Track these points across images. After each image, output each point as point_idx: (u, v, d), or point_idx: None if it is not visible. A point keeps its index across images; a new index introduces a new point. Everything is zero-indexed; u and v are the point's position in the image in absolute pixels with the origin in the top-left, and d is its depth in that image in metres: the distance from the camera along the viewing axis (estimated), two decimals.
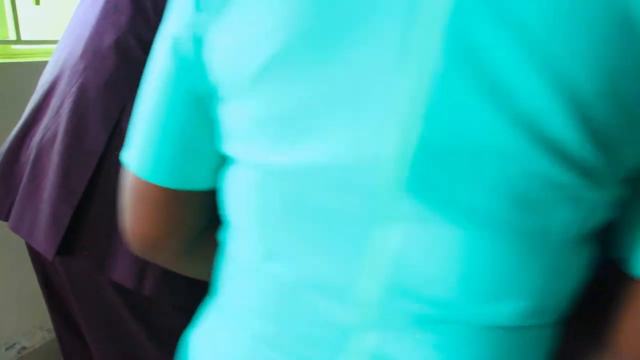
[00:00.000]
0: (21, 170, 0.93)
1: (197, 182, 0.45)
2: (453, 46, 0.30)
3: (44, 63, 1.03)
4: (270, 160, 0.37)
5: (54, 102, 0.91)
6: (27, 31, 1.62)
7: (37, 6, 1.71)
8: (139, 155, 0.45)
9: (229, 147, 0.41)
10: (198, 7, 0.38)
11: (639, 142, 0.32)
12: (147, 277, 0.85)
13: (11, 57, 1.60)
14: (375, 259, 0.36)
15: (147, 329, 0.90)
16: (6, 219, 0.94)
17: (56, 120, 0.89)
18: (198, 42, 0.39)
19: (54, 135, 0.88)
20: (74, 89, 0.87)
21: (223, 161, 0.44)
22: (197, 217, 0.48)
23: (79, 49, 0.88)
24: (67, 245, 0.87)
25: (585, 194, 0.33)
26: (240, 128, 0.38)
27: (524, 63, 0.29)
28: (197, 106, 0.41)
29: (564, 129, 0.30)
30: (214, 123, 0.42)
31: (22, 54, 1.65)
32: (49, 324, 1.65)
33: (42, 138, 0.90)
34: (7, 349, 1.64)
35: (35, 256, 1.00)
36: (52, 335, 1.68)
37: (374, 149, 0.33)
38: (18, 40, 1.58)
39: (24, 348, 1.68)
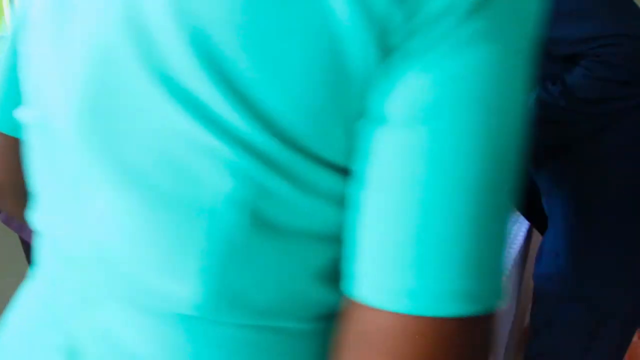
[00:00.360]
0: None
1: None
2: (116, 6, 0.30)
3: None
4: (29, 117, 0.39)
5: None
6: None
7: None
8: None
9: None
10: None
11: (324, 125, 0.28)
12: None
13: None
14: (89, 224, 0.34)
15: None
16: None
17: None
18: None
19: None
20: None
21: None
22: None
23: None
24: None
25: (250, 169, 0.29)
26: (22, 84, 0.40)
27: (167, 15, 0.28)
28: None
29: (206, 88, 0.28)
30: None
31: None
32: None
33: None
34: None
35: (29, 250, 1.00)
36: None
37: (54, 108, 0.34)
38: None
39: None
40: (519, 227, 1.30)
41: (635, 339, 1.15)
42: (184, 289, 0.31)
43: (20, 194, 0.51)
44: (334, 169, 0.30)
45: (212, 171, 0.29)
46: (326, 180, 0.30)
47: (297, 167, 0.29)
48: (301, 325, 0.34)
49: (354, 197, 0.30)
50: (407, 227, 0.27)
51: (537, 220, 1.23)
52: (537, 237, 1.34)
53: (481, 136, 0.27)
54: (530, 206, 1.25)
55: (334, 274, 0.33)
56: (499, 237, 0.29)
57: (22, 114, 0.41)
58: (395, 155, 0.27)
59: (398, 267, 0.27)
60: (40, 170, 0.39)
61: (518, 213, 1.33)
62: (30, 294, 0.43)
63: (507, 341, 1.17)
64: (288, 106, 0.28)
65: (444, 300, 0.27)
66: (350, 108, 0.28)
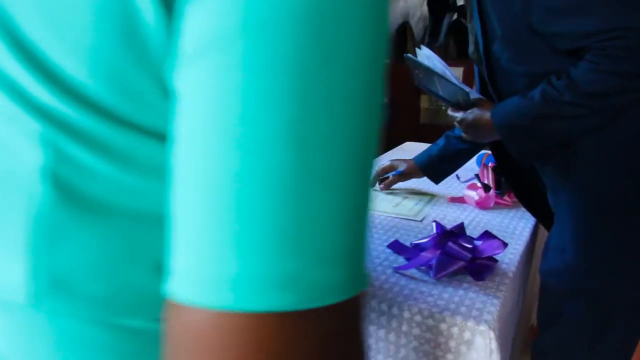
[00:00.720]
0: None
1: None
2: None
3: None
4: None
5: None
6: None
7: None
8: None
9: None
10: None
11: (132, 89, 0.26)
12: None
13: None
14: None
15: None
16: None
17: None
18: None
19: None
20: None
21: None
22: None
23: None
24: None
25: (56, 140, 0.27)
26: None
27: None
28: None
29: (4, 56, 0.26)
30: None
31: None
32: None
33: None
34: None
35: None
36: None
37: None
38: None
39: None
40: (525, 224, 1.29)
41: None
42: (13, 272, 0.29)
43: None
44: (157, 138, 0.27)
45: (24, 144, 0.27)
46: (148, 151, 0.27)
47: (107, 136, 0.27)
48: (152, 325, 0.31)
49: (168, 166, 0.26)
50: (207, 190, 0.23)
51: (543, 216, 1.22)
52: (543, 233, 1.33)
53: (295, 66, 0.22)
54: (536, 202, 1.24)
55: None
56: (351, 204, 0.24)
57: None
58: (190, 100, 0.24)
59: (209, 248, 0.23)
60: None
61: (524, 209, 1.32)
62: None
63: (514, 338, 1.16)
64: (85, 70, 0.25)
65: (272, 289, 0.22)
66: (156, 66, 0.25)
